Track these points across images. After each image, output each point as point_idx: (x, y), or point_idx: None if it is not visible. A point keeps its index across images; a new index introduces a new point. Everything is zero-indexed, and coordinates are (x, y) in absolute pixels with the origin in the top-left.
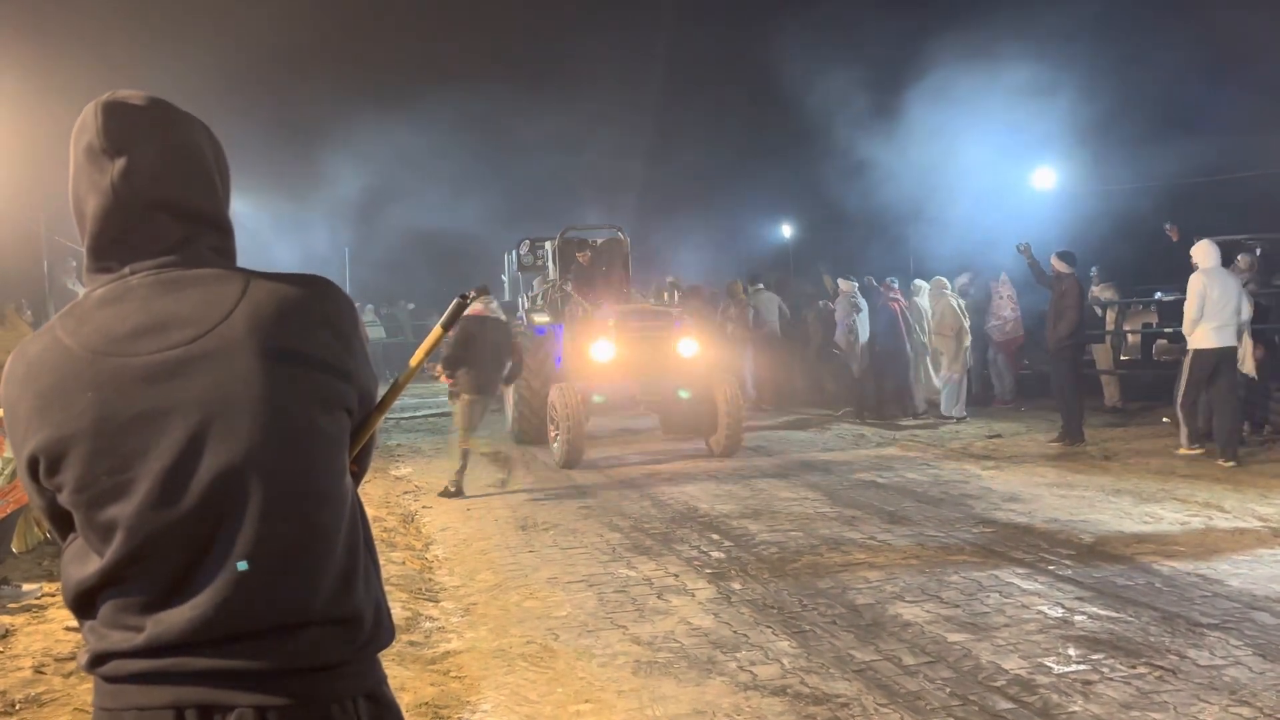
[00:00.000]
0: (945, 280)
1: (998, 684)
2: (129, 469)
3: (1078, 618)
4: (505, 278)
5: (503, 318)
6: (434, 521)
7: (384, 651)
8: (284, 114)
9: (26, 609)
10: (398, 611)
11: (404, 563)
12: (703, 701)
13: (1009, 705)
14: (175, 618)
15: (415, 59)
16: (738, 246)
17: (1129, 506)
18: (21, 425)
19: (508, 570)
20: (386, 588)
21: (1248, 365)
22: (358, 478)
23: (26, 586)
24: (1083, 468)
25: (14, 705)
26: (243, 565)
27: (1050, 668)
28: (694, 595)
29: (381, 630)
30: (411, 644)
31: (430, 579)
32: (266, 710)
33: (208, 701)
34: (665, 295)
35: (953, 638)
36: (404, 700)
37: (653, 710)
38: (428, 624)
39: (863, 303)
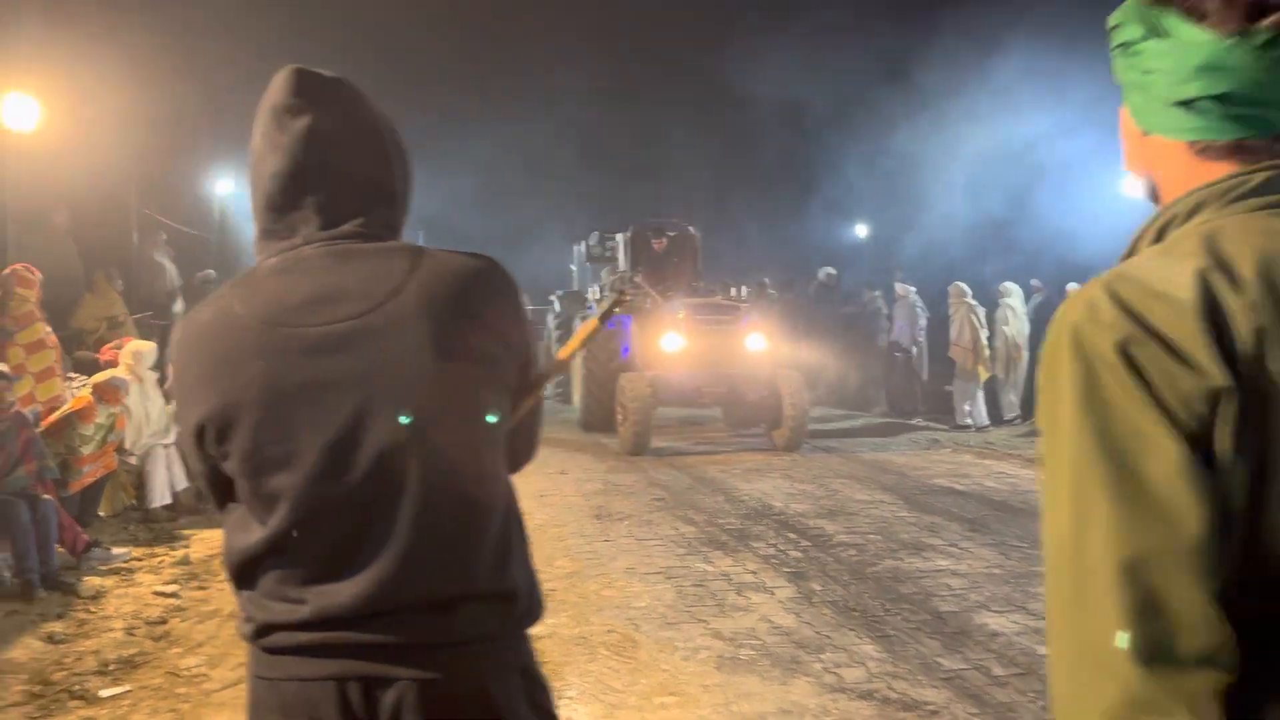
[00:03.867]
0: (965, 287)
1: None
2: (295, 440)
3: None
4: (574, 268)
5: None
6: None
7: None
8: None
9: (116, 571)
10: None
11: None
12: (788, 701)
13: None
14: (338, 592)
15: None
16: (807, 245)
17: None
18: (190, 391)
19: (585, 558)
20: None
21: None
22: (517, 459)
23: (116, 550)
24: None
25: (107, 665)
26: (405, 418)
27: None
28: (773, 593)
29: (534, 604)
30: None
31: None
32: (426, 684)
33: (369, 675)
34: (733, 291)
35: (1043, 650)
36: None
37: (738, 707)
38: None
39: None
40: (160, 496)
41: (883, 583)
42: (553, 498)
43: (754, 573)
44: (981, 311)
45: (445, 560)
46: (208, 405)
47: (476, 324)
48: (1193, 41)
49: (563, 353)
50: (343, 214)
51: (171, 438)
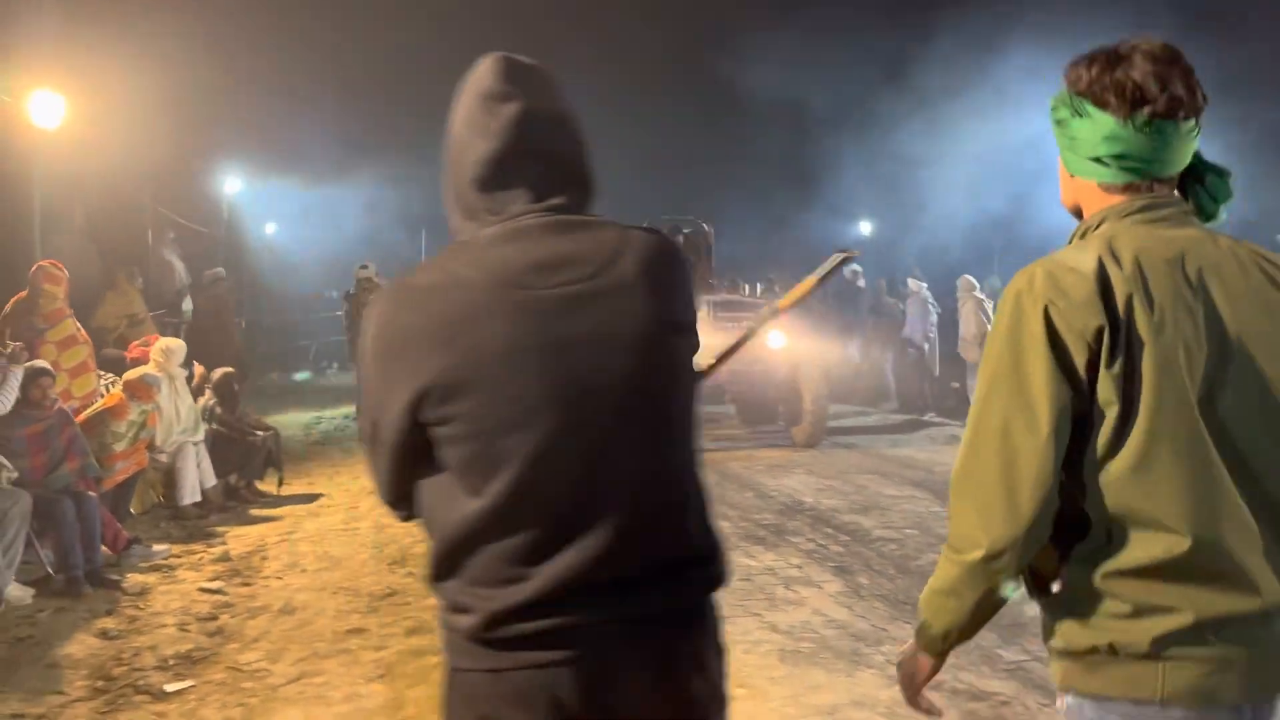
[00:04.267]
0: (973, 280)
1: None
2: (530, 399)
3: None
4: None
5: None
6: None
7: None
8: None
9: (156, 568)
10: None
11: None
12: (858, 693)
13: None
14: (564, 565)
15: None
16: (809, 243)
17: None
18: (415, 353)
19: None
20: None
21: None
22: None
23: (156, 547)
24: None
25: (166, 661)
26: (634, 380)
27: None
28: (821, 587)
29: (726, 567)
30: None
31: None
32: (657, 655)
33: (599, 650)
34: (744, 289)
35: None
36: None
37: (809, 699)
38: None
39: (935, 302)
40: (191, 494)
41: (928, 575)
42: None
43: (798, 567)
44: (990, 305)
45: (664, 524)
46: (440, 365)
47: (679, 294)
48: (1100, 121)
49: (782, 303)
50: (549, 192)
51: (201, 435)
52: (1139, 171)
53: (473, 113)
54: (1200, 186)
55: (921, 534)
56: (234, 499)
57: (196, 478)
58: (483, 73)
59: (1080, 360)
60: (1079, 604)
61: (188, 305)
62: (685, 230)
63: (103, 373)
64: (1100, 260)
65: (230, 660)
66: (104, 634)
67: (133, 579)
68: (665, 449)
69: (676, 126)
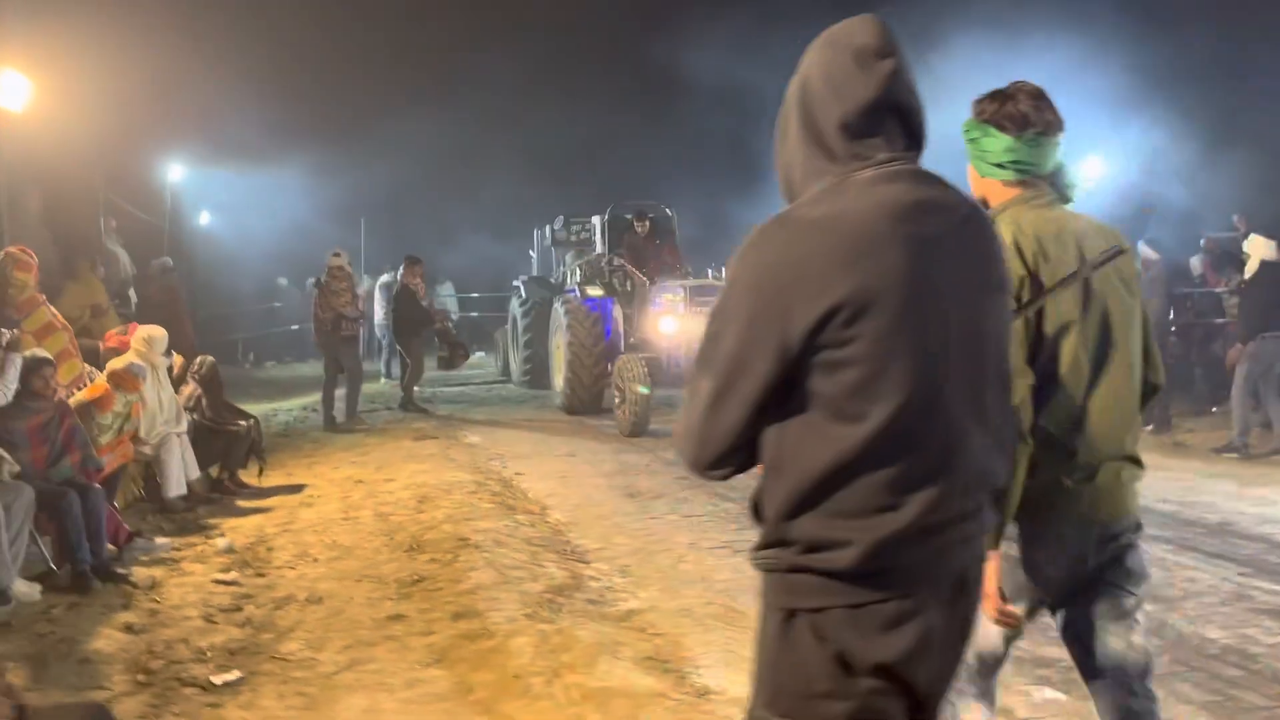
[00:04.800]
0: None
1: (1212, 653)
2: (925, 327)
3: (1253, 592)
4: (533, 254)
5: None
6: (534, 487)
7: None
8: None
9: (160, 562)
10: (557, 572)
11: (534, 525)
12: None
13: (1238, 672)
14: (934, 493)
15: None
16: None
17: (1234, 489)
18: (820, 276)
19: (642, 536)
20: (530, 548)
21: None
22: None
23: (159, 540)
24: (1167, 452)
25: (204, 653)
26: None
27: (1257, 639)
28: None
29: None
30: (590, 602)
31: (568, 541)
32: (977, 569)
33: (963, 571)
34: (709, 273)
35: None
36: (625, 654)
37: None
38: (594, 584)
39: None
40: (177, 486)
41: None
42: (573, 479)
43: None
44: None
45: (1001, 465)
46: (849, 285)
47: (1003, 257)
48: (1000, 139)
49: None
50: (904, 145)
51: (184, 426)
52: (1027, 172)
53: (844, 65)
54: (1062, 179)
55: None
56: (218, 490)
57: (182, 470)
58: (860, 30)
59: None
60: None
61: (132, 295)
62: (650, 215)
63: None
64: (1013, 233)
65: (271, 650)
66: (128, 628)
67: (140, 573)
68: (1006, 394)
69: (629, 112)
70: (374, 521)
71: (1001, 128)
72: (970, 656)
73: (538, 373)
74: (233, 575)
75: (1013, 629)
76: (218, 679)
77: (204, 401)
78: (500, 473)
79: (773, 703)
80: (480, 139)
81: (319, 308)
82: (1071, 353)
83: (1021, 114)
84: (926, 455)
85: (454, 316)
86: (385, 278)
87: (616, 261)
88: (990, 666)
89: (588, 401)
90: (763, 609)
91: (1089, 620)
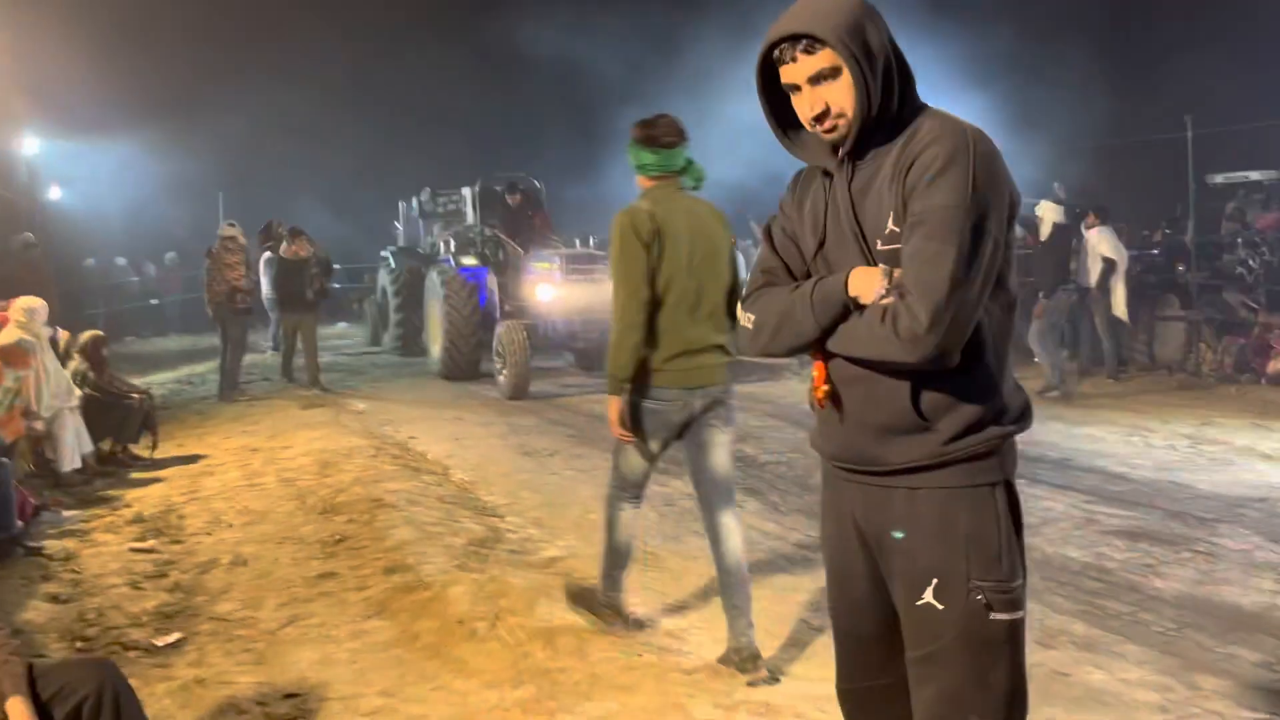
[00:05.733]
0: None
1: (1075, 570)
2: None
3: (1099, 517)
4: (399, 225)
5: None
6: (432, 449)
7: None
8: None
9: (69, 533)
10: (474, 526)
11: (441, 484)
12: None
13: (1098, 585)
14: None
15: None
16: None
17: (1065, 428)
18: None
19: (548, 490)
20: (444, 506)
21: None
22: None
23: (66, 513)
24: None
25: (139, 618)
26: None
27: (1110, 555)
28: (743, 506)
29: None
30: (513, 552)
31: (477, 498)
32: None
33: None
34: (577, 242)
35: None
36: (559, 596)
37: (791, 599)
38: (512, 535)
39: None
40: (71, 460)
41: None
42: (468, 441)
43: None
44: None
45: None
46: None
47: None
48: (645, 152)
49: None
50: None
51: (76, 400)
52: (663, 171)
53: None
54: (688, 174)
55: (803, 457)
56: (111, 464)
57: (76, 444)
58: None
59: (646, 250)
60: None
61: None
62: (521, 187)
63: None
64: (649, 207)
65: (208, 612)
66: (54, 599)
67: (51, 545)
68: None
69: (474, 86)
70: (280, 487)
71: (645, 144)
72: (620, 473)
73: (410, 341)
74: (150, 543)
75: (649, 457)
76: (159, 641)
77: (91, 375)
78: (395, 437)
79: (1014, 572)
80: (329, 114)
81: (212, 279)
82: (681, 278)
83: (655, 136)
84: None
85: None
86: (268, 254)
87: (489, 232)
88: (637, 483)
89: (465, 368)
90: (962, 499)
91: (697, 445)
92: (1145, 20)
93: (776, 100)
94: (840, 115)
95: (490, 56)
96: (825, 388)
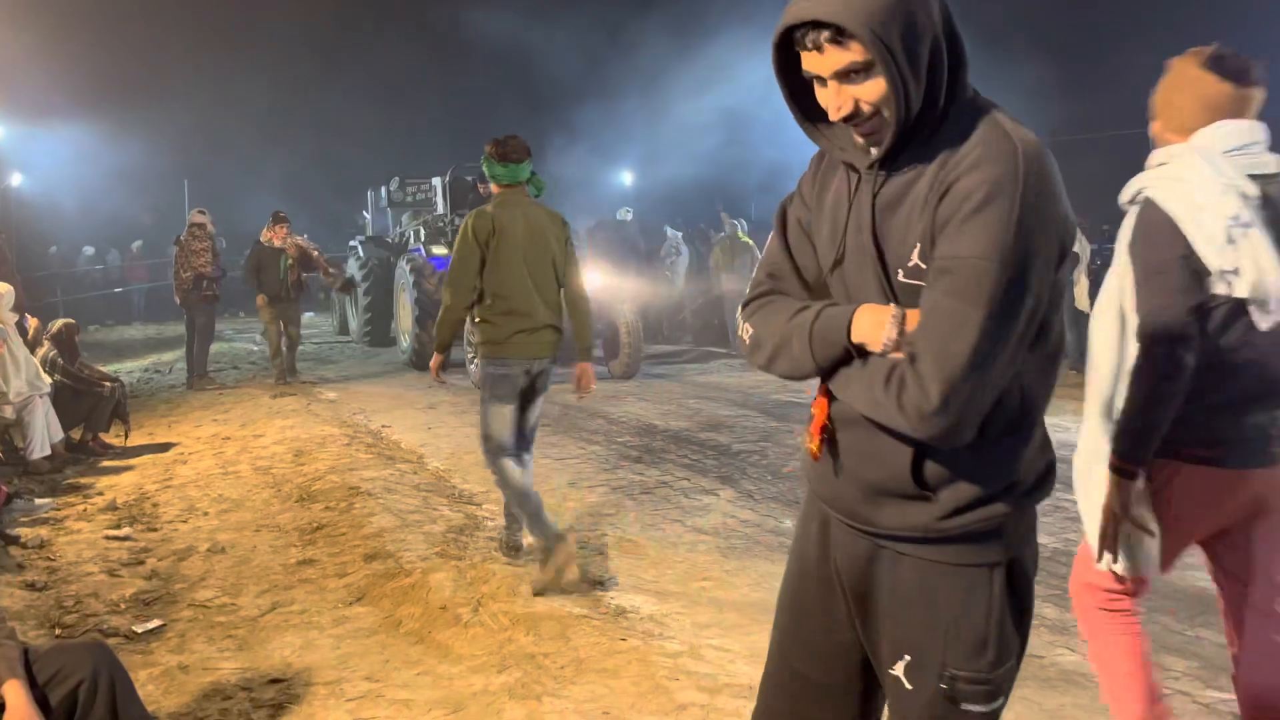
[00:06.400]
0: (735, 222)
1: (1046, 555)
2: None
3: (1066, 504)
4: (368, 214)
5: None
6: (405, 438)
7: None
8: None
9: (41, 522)
10: (451, 514)
11: (416, 473)
12: None
13: (1068, 569)
14: None
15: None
16: (587, 190)
17: None
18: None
19: None
20: (420, 494)
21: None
22: None
23: (38, 500)
24: None
25: (118, 605)
26: None
27: (1076, 541)
28: (718, 495)
29: None
30: (491, 540)
31: (453, 487)
32: None
33: None
34: None
35: None
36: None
37: (769, 585)
38: (490, 523)
39: (684, 249)
40: (41, 447)
41: (798, 481)
42: (441, 430)
43: (687, 479)
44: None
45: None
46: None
47: None
48: (499, 165)
49: None
50: None
51: (47, 386)
52: (510, 181)
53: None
54: (531, 185)
55: (774, 445)
56: (82, 451)
57: (46, 431)
58: None
59: (483, 248)
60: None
61: None
62: None
63: None
64: (492, 212)
65: (187, 599)
66: (30, 586)
67: (24, 533)
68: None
69: (449, 79)
70: (255, 475)
71: (496, 159)
72: (489, 438)
73: (379, 330)
74: (125, 531)
75: (506, 416)
76: (139, 628)
77: (60, 362)
78: (368, 426)
79: (1000, 660)
80: (293, 103)
81: (180, 266)
82: (519, 269)
83: (504, 152)
84: None
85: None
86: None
87: (458, 222)
88: (504, 441)
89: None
90: (952, 577)
91: (528, 404)
92: (1091, 20)
93: (797, 80)
94: (875, 114)
95: (456, 47)
96: (821, 437)
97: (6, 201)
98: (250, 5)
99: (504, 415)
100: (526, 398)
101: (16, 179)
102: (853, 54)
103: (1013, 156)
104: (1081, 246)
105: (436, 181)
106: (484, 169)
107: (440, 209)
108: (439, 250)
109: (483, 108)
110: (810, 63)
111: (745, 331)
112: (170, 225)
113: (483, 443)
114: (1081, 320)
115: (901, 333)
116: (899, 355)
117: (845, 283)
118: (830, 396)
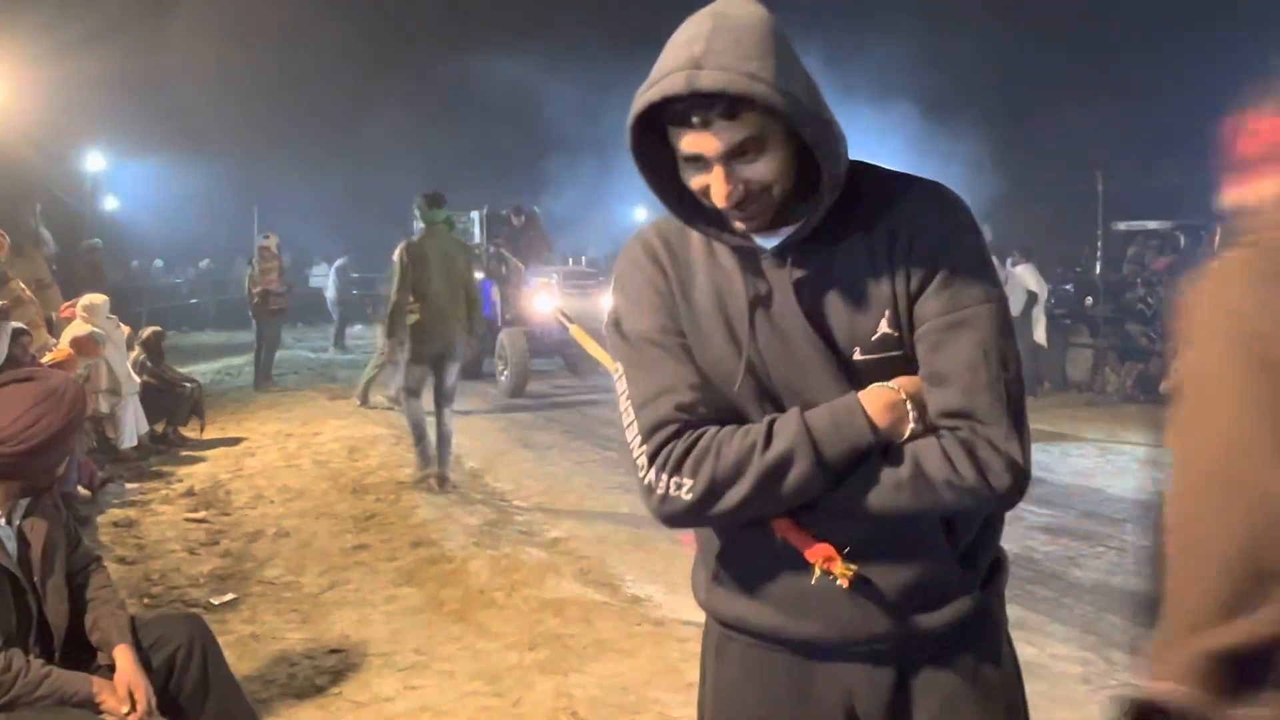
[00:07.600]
0: None
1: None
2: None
3: (1025, 514)
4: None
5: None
6: None
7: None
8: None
9: (131, 504)
10: (486, 509)
11: (454, 471)
12: None
13: (1028, 573)
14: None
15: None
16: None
17: None
18: None
19: (547, 479)
20: (458, 490)
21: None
22: None
23: (129, 485)
24: None
25: (198, 580)
26: None
27: (1036, 548)
28: None
29: None
30: (521, 532)
31: (487, 484)
32: None
33: None
34: (570, 261)
35: None
36: (565, 572)
37: None
38: (519, 518)
39: None
40: (129, 439)
41: None
42: (476, 433)
43: None
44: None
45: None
46: None
47: None
48: (430, 211)
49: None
50: None
51: (136, 386)
52: (431, 220)
53: None
54: (446, 223)
55: None
56: (163, 443)
57: (134, 424)
58: None
59: (412, 267)
60: None
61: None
62: (524, 211)
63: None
64: (419, 243)
65: (257, 576)
66: (121, 560)
67: (115, 514)
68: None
69: (493, 124)
70: (315, 468)
71: (426, 204)
72: (408, 385)
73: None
74: (202, 514)
75: (420, 373)
76: (216, 600)
77: (149, 364)
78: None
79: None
80: (349, 143)
81: (251, 284)
82: (437, 284)
83: (430, 202)
84: None
85: (328, 294)
86: (340, 260)
87: (494, 249)
88: (416, 388)
89: (470, 368)
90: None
91: (442, 373)
92: (1043, 83)
93: (651, 152)
94: (764, 193)
95: (503, 96)
96: (850, 566)
97: (102, 222)
98: (307, 56)
99: (419, 373)
100: (440, 364)
101: (111, 203)
102: (747, 128)
103: (937, 193)
104: (1040, 287)
105: (475, 215)
106: (416, 210)
107: (477, 239)
108: (478, 275)
109: (512, 143)
110: (692, 143)
111: (673, 485)
112: (239, 246)
113: (404, 393)
114: (1040, 353)
115: (914, 404)
116: (914, 431)
117: (775, 384)
118: (806, 522)
